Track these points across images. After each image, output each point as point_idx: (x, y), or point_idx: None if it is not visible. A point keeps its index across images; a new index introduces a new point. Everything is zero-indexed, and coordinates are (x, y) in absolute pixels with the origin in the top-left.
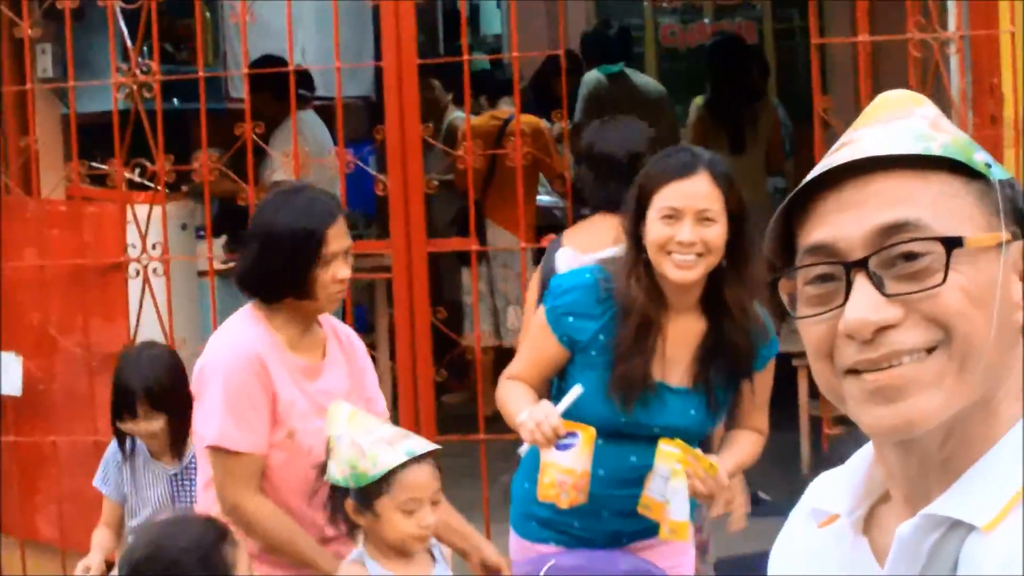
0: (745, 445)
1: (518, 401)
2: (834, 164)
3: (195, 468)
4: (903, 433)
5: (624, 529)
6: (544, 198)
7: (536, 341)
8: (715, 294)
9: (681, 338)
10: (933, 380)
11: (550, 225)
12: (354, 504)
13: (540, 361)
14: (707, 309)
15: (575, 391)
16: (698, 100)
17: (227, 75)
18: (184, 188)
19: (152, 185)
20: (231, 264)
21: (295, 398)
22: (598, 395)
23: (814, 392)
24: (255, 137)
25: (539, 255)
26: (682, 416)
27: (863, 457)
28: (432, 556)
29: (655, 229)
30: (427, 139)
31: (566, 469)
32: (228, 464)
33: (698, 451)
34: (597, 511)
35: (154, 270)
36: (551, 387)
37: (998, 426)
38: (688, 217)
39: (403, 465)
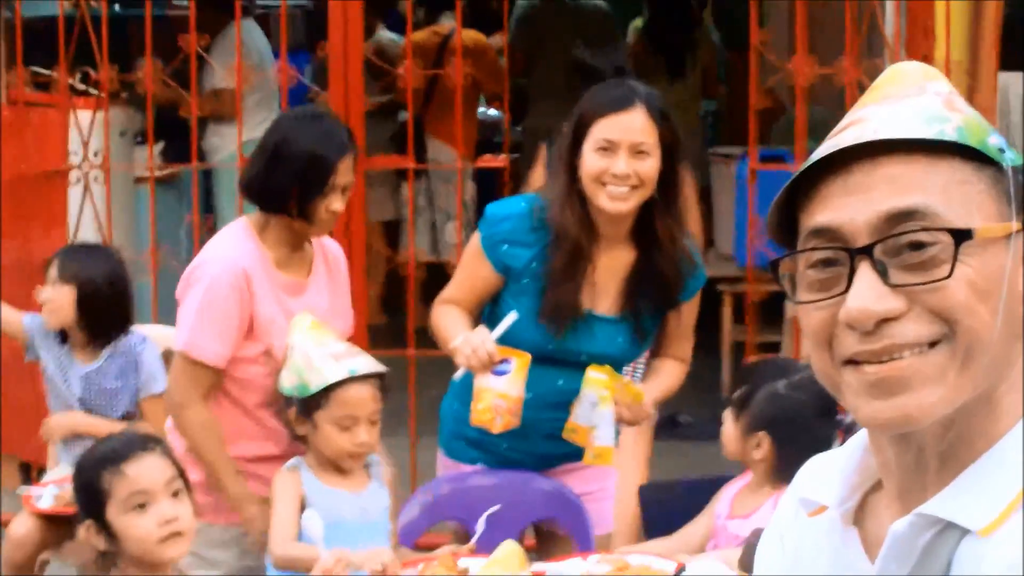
0: (669, 373)
1: (452, 326)
2: (841, 146)
3: (108, 372)
4: (901, 427)
5: (552, 452)
6: (492, 112)
7: (470, 267)
8: (646, 225)
9: (611, 268)
10: (934, 374)
11: (490, 141)
12: (296, 413)
13: (474, 287)
14: (637, 240)
15: (510, 317)
16: (637, 23)
17: None
18: (124, 95)
19: (95, 92)
20: (167, 172)
21: (275, 316)
22: (529, 321)
23: (738, 318)
24: (198, 49)
25: (478, 172)
26: (609, 344)
27: (856, 445)
28: (368, 475)
29: (590, 161)
30: (369, 57)
31: (501, 394)
32: (187, 368)
33: (625, 378)
34: (525, 433)
35: (95, 178)
36: (483, 313)
37: (999, 420)
38: (623, 150)
39: (343, 382)
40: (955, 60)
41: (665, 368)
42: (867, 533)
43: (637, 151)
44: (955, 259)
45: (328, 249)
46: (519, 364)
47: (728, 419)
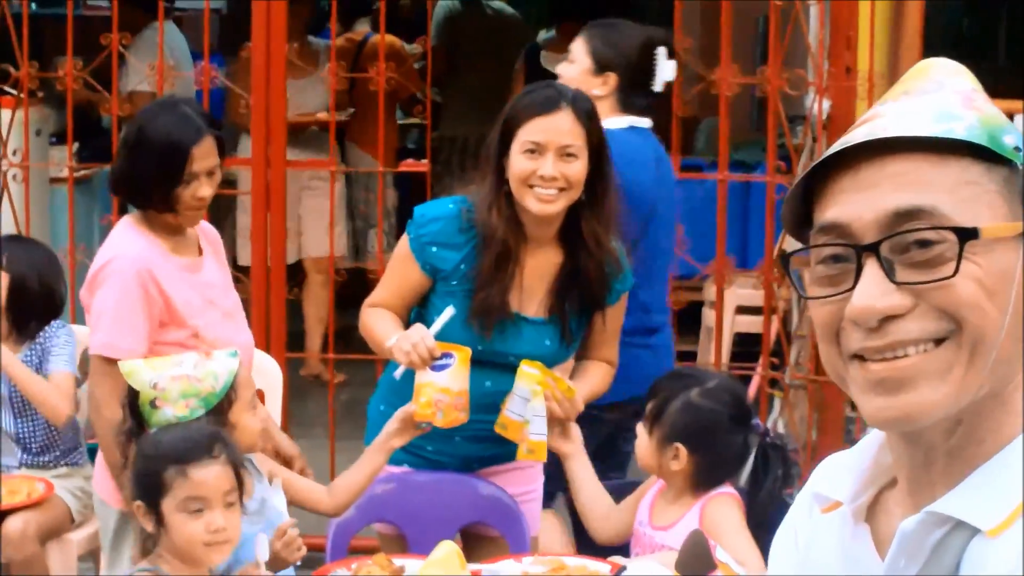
0: (596, 374)
1: (384, 327)
2: (851, 143)
3: (28, 365)
4: (904, 425)
5: (476, 454)
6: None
7: (399, 269)
8: (573, 228)
9: (539, 270)
10: (939, 372)
11: (410, 148)
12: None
13: (402, 289)
14: (564, 242)
15: (447, 313)
16: (543, 32)
17: None
18: (40, 94)
19: (11, 91)
20: (84, 172)
21: (189, 297)
22: (458, 322)
23: None
24: (120, 48)
25: (398, 178)
26: (537, 346)
27: (871, 442)
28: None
29: (518, 163)
30: (291, 59)
31: (442, 388)
32: (104, 369)
33: (557, 374)
34: (450, 435)
35: (13, 176)
36: (410, 315)
37: (1009, 419)
38: (550, 152)
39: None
40: (877, 71)
41: (591, 369)
42: (879, 530)
43: (564, 153)
44: (960, 258)
45: (204, 230)
46: (460, 358)
47: (642, 432)
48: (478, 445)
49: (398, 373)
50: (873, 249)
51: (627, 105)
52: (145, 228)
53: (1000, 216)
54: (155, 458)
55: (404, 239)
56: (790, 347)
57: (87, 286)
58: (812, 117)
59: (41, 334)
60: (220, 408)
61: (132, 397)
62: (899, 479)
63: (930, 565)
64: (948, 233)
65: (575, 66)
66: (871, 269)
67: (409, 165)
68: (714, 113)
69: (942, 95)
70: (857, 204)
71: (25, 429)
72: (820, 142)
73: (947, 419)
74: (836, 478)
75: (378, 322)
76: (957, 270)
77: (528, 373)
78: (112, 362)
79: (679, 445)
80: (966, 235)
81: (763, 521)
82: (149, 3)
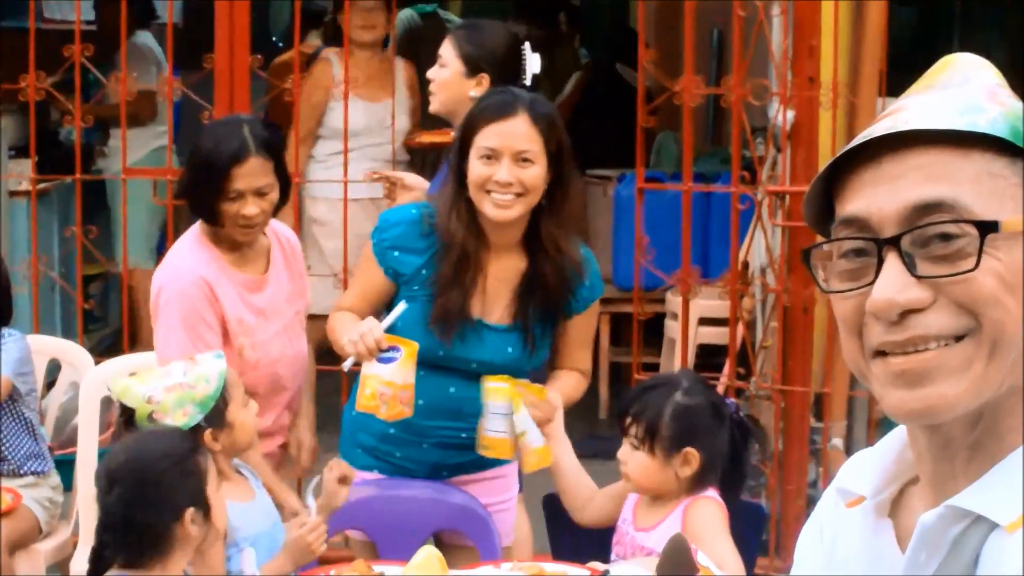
0: (567, 380)
1: (345, 328)
2: (873, 135)
3: None
4: (924, 419)
5: (444, 461)
6: None
7: (364, 274)
8: (535, 233)
9: (501, 276)
10: (960, 367)
11: None
12: (211, 431)
13: (367, 293)
14: (528, 248)
15: (400, 307)
16: None
17: None
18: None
19: None
20: (44, 186)
21: (242, 315)
22: (419, 327)
23: (616, 339)
24: (83, 60)
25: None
26: (499, 353)
27: (896, 437)
28: (250, 485)
29: (475, 168)
30: (255, 71)
31: (386, 381)
32: None
33: (524, 380)
34: (418, 442)
35: None
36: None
37: None
38: (506, 157)
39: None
40: (840, 80)
41: (562, 376)
42: (902, 525)
43: (521, 158)
44: (980, 252)
45: (279, 233)
46: (407, 352)
47: (637, 456)
48: (445, 452)
49: (345, 365)
50: (894, 243)
51: None
52: (208, 240)
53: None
54: (186, 457)
55: (369, 244)
56: (755, 357)
57: (153, 304)
58: (776, 128)
59: None
60: (217, 410)
61: (127, 415)
62: (921, 474)
63: (949, 559)
64: (969, 227)
65: (447, 70)
66: (892, 262)
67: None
68: (669, 126)
69: (967, 88)
70: (878, 197)
71: None
72: (784, 152)
73: (968, 414)
74: (860, 473)
75: (340, 324)
76: (978, 264)
77: (497, 388)
78: None
79: (689, 449)
80: (986, 228)
81: (737, 492)
82: (140, 10)
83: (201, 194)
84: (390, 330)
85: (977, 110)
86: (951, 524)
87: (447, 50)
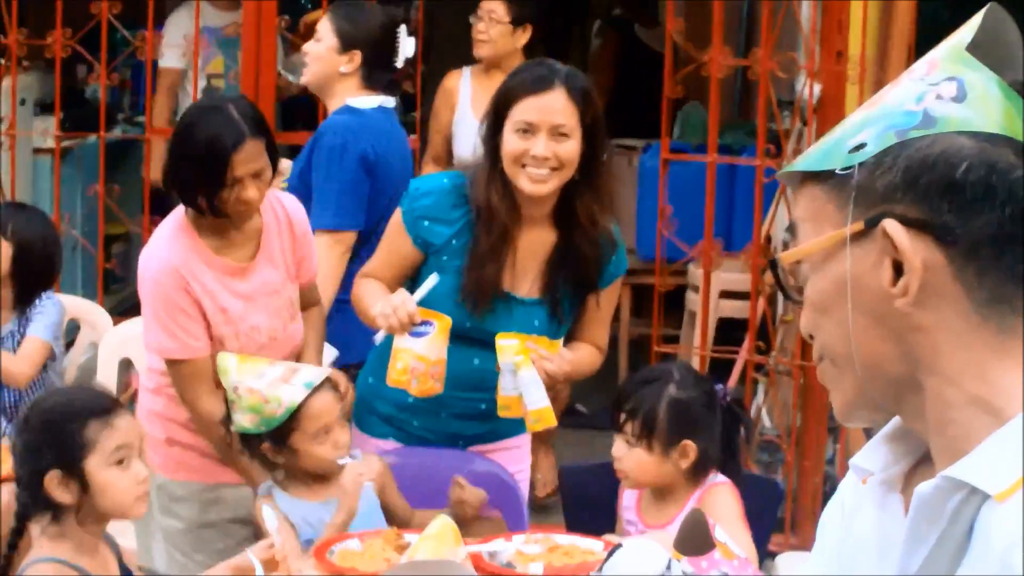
0: (584, 353)
1: (373, 295)
2: (786, 170)
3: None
4: (844, 422)
5: (462, 432)
6: None
7: (392, 242)
8: (567, 206)
9: (532, 249)
10: (831, 382)
11: None
12: (270, 446)
13: (394, 261)
14: (558, 221)
15: (431, 280)
16: None
17: None
18: (26, 63)
19: None
20: (68, 143)
21: (225, 303)
22: (449, 298)
23: (637, 311)
24: (111, 17)
25: None
26: (526, 326)
27: None
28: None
29: (510, 142)
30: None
31: (419, 356)
32: (175, 369)
33: (533, 335)
34: (436, 411)
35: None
36: (405, 288)
37: (957, 399)
38: (543, 131)
39: (305, 399)
40: (868, 56)
41: (578, 348)
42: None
43: (557, 133)
44: (788, 284)
45: (276, 205)
46: (440, 327)
47: (633, 452)
48: (464, 422)
49: (378, 338)
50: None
51: (371, 81)
52: (192, 226)
53: (835, 227)
54: (70, 415)
55: (397, 212)
56: (776, 332)
57: (139, 285)
58: (803, 101)
59: (11, 321)
60: (280, 432)
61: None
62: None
63: (948, 531)
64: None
65: (321, 44)
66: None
67: None
68: (695, 98)
69: (856, 114)
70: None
71: (10, 398)
72: (811, 126)
73: (912, 406)
74: (872, 450)
75: (367, 291)
76: (801, 294)
77: (506, 346)
78: (179, 361)
79: (686, 442)
80: (774, 265)
81: (732, 475)
82: None
83: (201, 185)
84: (421, 303)
85: (821, 144)
86: (949, 495)
87: (324, 25)
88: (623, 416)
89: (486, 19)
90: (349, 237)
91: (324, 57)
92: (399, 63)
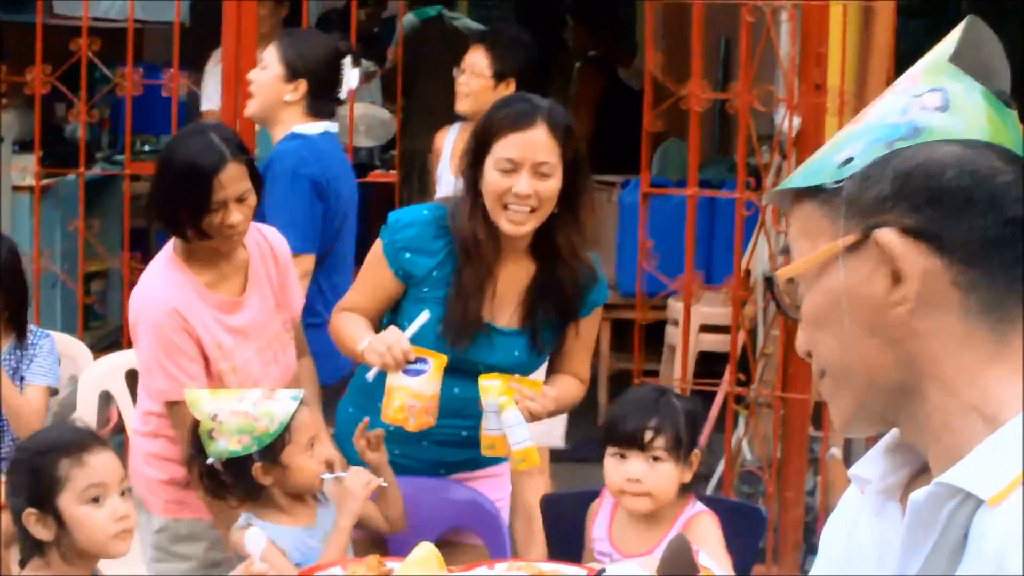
0: (566, 386)
1: (355, 330)
2: (777, 189)
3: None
4: (844, 434)
5: (444, 459)
6: None
7: (372, 274)
8: (547, 238)
9: (512, 280)
10: (829, 395)
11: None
12: (262, 465)
13: (375, 294)
14: (538, 252)
15: (423, 317)
16: None
17: None
18: (4, 101)
19: None
20: (48, 181)
21: (220, 338)
22: (430, 330)
23: (617, 345)
24: (90, 54)
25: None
26: (507, 356)
27: None
28: (318, 499)
29: (492, 179)
30: None
31: (415, 393)
32: (175, 411)
33: (516, 375)
34: (418, 439)
35: None
36: (383, 321)
37: (954, 406)
38: (525, 168)
39: (295, 409)
40: (847, 88)
41: (561, 381)
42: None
43: (538, 172)
44: (783, 302)
45: (260, 239)
46: (436, 365)
47: (660, 470)
48: (446, 450)
49: (371, 375)
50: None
51: (315, 111)
52: (182, 262)
53: (829, 240)
54: (43, 452)
55: (378, 244)
56: (756, 364)
57: (132, 329)
58: (782, 134)
59: (27, 338)
60: (273, 448)
61: (196, 424)
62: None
63: (944, 536)
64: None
65: (267, 72)
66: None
67: (377, 176)
68: (674, 133)
69: (839, 135)
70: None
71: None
72: (790, 159)
73: (908, 413)
74: (871, 459)
75: (349, 325)
76: (798, 311)
77: (489, 387)
78: (180, 403)
79: (695, 451)
80: (771, 281)
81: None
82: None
83: (185, 209)
84: (412, 340)
85: (808, 163)
86: (944, 501)
87: (271, 53)
88: (649, 433)
89: (468, 72)
90: (308, 260)
91: (269, 85)
92: (342, 94)
